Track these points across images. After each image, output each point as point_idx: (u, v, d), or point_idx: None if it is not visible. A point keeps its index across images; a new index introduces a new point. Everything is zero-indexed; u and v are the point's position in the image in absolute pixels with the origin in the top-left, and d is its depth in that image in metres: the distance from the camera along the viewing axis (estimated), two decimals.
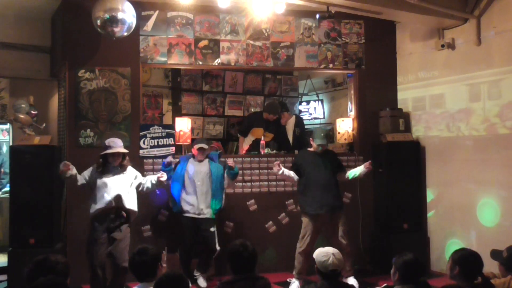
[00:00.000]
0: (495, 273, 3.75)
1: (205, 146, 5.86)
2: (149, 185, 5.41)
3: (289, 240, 6.08)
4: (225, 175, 5.86)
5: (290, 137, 7.48)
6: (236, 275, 3.52)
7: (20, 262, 5.37)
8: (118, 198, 5.13)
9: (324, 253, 3.52)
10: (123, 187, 5.20)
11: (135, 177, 5.39)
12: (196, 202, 5.71)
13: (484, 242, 5.71)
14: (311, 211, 5.65)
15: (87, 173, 5.27)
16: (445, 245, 6.42)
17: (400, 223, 6.63)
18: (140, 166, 6.19)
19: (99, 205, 5.12)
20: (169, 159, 5.76)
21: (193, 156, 5.87)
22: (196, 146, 5.83)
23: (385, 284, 5.63)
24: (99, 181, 5.16)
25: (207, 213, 5.72)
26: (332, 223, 5.69)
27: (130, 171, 5.38)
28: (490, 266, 3.79)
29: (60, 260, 3.24)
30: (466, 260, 3.30)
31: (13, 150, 6.01)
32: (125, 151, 5.31)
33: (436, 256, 6.60)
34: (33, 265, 3.18)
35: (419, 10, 5.93)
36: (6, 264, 5.83)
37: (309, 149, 6.00)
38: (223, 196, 5.87)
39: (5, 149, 8.08)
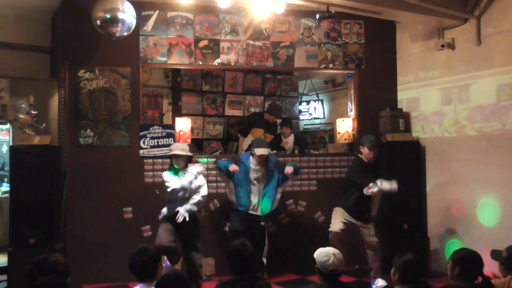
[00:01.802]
0: (495, 273, 3.75)
1: (266, 153, 5.85)
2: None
3: (289, 240, 6.08)
4: (284, 175, 5.86)
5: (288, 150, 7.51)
6: (236, 275, 3.53)
7: (20, 262, 5.39)
8: None
9: (324, 253, 3.52)
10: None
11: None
12: (251, 200, 5.80)
13: (484, 242, 5.72)
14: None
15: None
16: (445, 245, 6.42)
17: (400, 223, 6.63)
18: (140, 166, 6.20)
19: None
20: (233, 168, 5.74)
21: (252, 155, 5.90)
22: (257, 152, 5.80)
23: (385, 284, 5.63)
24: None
25: (259, 210, 5.83)
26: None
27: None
28: (490, 266, 3.79)
29: (60, 260, 3.24)
30: (467, 260, 3.30)
31: (13, 150, 6.01)
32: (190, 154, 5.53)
33: (436, 256, 6.60)
34: (33, 265, 3.19)
35: (419, 10, 5.93)
36: (6, 264, 5.83)
37: (360, 156, 5.87)
38: (277, 197, 5.91)
39: (5, 149, 8.08)
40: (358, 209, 5.71)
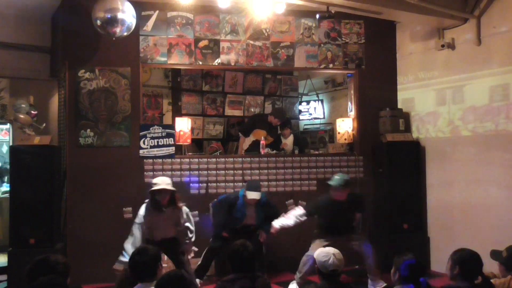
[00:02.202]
0: (495, 273, 3.75)
1: (257, 197, 5.72)
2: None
3: (289, 240, 6.08)
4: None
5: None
6: (236, 273, 3.55)
7: (20, 262, 5.38)
8: None
9: (324, 253, 3.53)
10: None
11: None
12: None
13: (484, 242, 5.71)
14: None
15: None
16: (445, 245, 6.42)
17: (400, 223, 6.63)
18: (140, 166, 6.20)
19: None
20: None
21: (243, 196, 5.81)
22: (249, 196, 5.71)
23: (385, 284, 5.63)
24: None
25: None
26: None
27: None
28: (490, 266, 3.79)
29: (60, 260, 3.24)
30: (466, 260, 3.31)
31: (13, 150, 6.00)
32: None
33: (436, 256, 6.60)
34: (33, 265, 3.19)
35: (419, 10, 5.93)
36: (6, 264, 5.83)
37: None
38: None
39: (5, 149, 8.08)
40: (336, 226, 5.65)
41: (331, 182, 5.60)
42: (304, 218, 5.71)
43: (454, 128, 6.41)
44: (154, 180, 5.17)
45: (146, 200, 5.17)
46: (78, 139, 6.10)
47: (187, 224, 5.25)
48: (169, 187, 5.06)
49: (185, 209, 5.25)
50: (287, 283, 5.84)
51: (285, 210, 6.58)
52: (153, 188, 5.04)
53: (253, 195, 5.70)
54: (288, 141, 7.68)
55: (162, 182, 5.07)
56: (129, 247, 4.99)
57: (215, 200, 6.06)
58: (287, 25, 6.82)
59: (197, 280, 5.64)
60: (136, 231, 5.09)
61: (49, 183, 5.87)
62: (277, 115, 7.46)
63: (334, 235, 5.59)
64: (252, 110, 8.54)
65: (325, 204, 5.65)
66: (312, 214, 5.74)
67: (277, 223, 5.72)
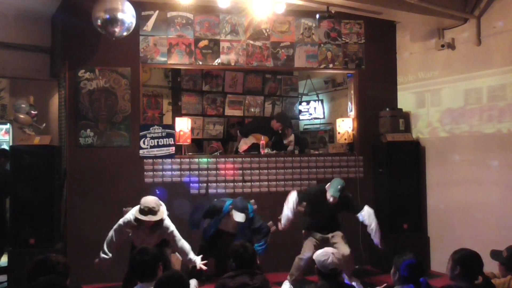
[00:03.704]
0: (495, 273, 3.75)
1: (242, 220, 5.41)
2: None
3: (289, 240, 6.08)
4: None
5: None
6: (236, 270, 3.63)
7: (20, 262, 5.39)
8: None
9: (323, 252, 3.54)
10: None
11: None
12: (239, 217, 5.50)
13: (484, 242, 5.71)
14: None
15: None
16: (445, 245, 6.42)
17: (400, 223, 6.64)
18: (140, 166, 6.20)
19: None
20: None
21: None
22: (235, 217, 5.40)
23: (385, 284, 5.62)
24: None
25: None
26: None
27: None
28: (490, 266, 3.79)
29: (60, 260, 3.24)
30: (467, 260, 3.30)
31: (13, 150, 6.01)
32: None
33: (436, 256, 6.61)
34: (33, 265, 3.18)
35: (419, 10, 5.93)
36: (6, 264, 5.83)
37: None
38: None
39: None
40: (321, 221, 5.71)
41: (329, 190, 5.56)
42: (298, 204, 5.77)
43: (454, 128, 6.41)
44: (142, 202, 4.73)
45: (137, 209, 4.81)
46: (78, 139, 6.10)
47: (181, 245, 4.96)
48: (154, 218, 4.68)
49: (171, 229, 4.92)
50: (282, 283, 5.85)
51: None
52: (137, 217, 4.67)
53: (238, 217, 5.39)
54: (290, 139, 7.66)
55: (149, 207, 4.67)
56: (105, 245, 4.89)
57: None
58: (287, 25, 6.82)
59: (195, 281, 5.63)
60: (114, 233, 4.89)
61: (49, 183, 5.88)
62: (280, 120, 7.46)
63: (321, 230, 5.70)
64: (252, 110, 8.53)
65: (316, 197, 5.74)
66: (301, 201, 5.83)
67: (282, 220, 5.75)
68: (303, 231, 5.89)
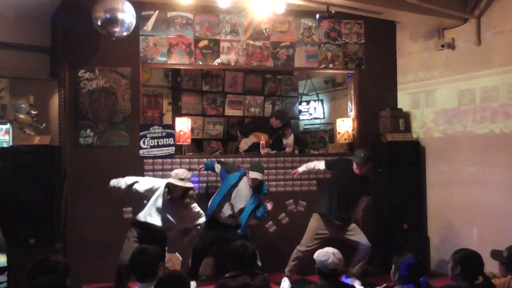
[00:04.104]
0: (495, 273, 3.75)
1: (259, 177, 5.63)
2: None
3: (289, 240, 6.08)
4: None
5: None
6: (236, 270, 3.61)
7: (20, 262, 5.38)
8: None
9: (324, 252, 3.54)
10: None
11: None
12: (221, 207, 5.68)
13: (484, 242, 5.72)
14: None
15: None
16: (445, 245, 6.43)
17: (400, 223, 6.63)
18: (140, 166, 6.20)
19: None
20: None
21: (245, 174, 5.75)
22: (251, 175, 5.61)
23: (385, 284, 5.62)
24: None
25: (234, 223, 5.70)
26: None
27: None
28: (490, 266, 3.79)
29: (60, 260, 3.23)
30: (468, 260, 3.30)
31: (13, 150, 6.00)
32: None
33: (436, 256, 6.61)
34: (33, 265, 3.18)
35: (419, 10, 5.93)
36: (6, 264, 5.83)
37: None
38: (247, 225, 5.70)
39: None
40: (338, 207, 5.69)
41: (354, 159, 5.70)
42: (322, 168, 6.03)
43: (454, 128, 6.41)
44: (175, 172, 5.17)
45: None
46: (78, 139, 6.10)
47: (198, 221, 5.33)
48: (189, 184, 5.09)
49: (194, 206, 5.29)
50: None
51: (285, 210, 6.62)
52: (172, 182, 5.04)
53: (255, 174, 5.60)
54: (289, 141, 7.68)
55: (176, 176, 5.06)
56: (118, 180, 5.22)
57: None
58: (287, 25, 6.82)
59: (194, 283, 5.64)
60: (126, 186, 5.19)
61: (49, 183, 5.86)
62: (279, 117, 7.46)
63: (338, 213, 5.67)
64: (252, 110, 8.54)
65: (345, 166, 5.84)
66: (330, 167, 5.99)
67: (302, 167, 6.17)
68: (313, 215, 5.83)
